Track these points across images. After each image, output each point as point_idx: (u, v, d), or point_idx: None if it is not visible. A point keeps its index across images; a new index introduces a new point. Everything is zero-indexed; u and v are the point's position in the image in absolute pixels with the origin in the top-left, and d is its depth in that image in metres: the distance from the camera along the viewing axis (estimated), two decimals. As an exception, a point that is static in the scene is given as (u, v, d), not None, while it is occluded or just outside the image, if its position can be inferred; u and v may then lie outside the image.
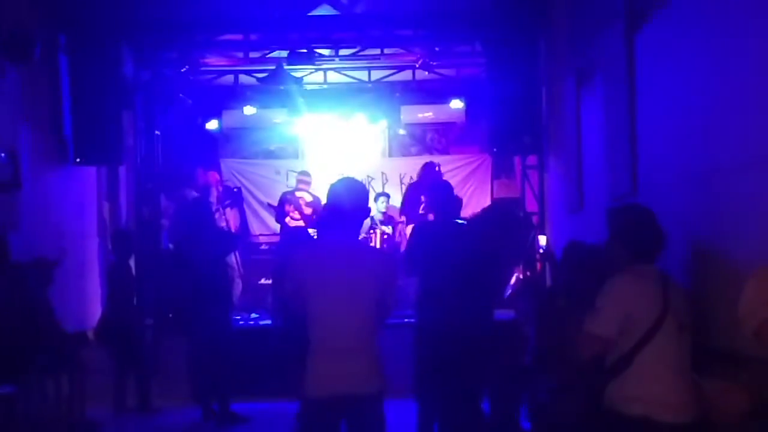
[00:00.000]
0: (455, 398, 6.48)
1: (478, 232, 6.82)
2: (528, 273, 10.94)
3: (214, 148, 14.25)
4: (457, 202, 7.10)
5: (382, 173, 13.98)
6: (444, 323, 6.35)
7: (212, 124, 13.51)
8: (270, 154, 14.57)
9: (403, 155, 14.49)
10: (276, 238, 12.64)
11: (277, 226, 12.79)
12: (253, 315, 10.94)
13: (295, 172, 13.76)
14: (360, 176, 12.03)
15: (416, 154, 14.49)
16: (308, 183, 12.79)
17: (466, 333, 6.31)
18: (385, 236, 12.12)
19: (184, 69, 11.67)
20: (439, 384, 6.45)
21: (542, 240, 8.32)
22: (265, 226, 13.52)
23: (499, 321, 9.17)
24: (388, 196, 12.71)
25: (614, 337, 4.02)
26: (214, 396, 8.40)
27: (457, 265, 6.30)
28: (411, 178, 13.84)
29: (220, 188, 12.62)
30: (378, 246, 11.73)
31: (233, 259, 10.73)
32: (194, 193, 11.83)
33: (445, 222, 6.83)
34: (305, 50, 11.29)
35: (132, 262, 9.60)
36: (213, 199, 12.26)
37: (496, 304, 6.97)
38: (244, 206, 13.67)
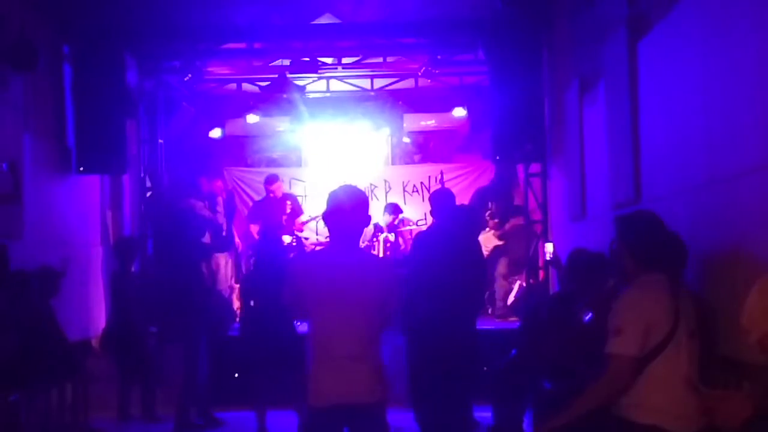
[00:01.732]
0: (446, 404, 6.51)
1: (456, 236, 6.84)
2: (531, 281, 10.95)
3: (217, 156, 14.27)
4: (456, 210, 7.13)
5: (385, 181, 13.96)
6: (430, 328, 6.37)
7: (215, 133, 13.53)
8: (273, 162, 14.56)
9: (406, 163, 14.49)
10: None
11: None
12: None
13: (298, 180, 13.78)
14: (363, 184, 12.02)
15: (419, 162, 14.50)
16: (278, 187, 12.71)
17: (449, 337, 6.33)
18: (388, 244, 12.11)
19: (188, 78, 11.70)
20: (431, 391, 6.46)
21: (549, 247, 8.32)
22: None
23: (500, 330, 9.20)
24: (401, 211, 12.66)
25: (642, 353, 3.95)
26: (190, 405, 8.43)
27: (442, 271, 6.30)
28: (414, 186, 13.85)
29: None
30: (381, 254, 11.72)
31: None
32: (200, 203, 11.84)
33: (438, 229, 6.87)
34: (308, 59, 11.31)
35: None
36: (219, 208, 12.26)
37: (475, 309, 6.94)
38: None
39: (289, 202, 12.38)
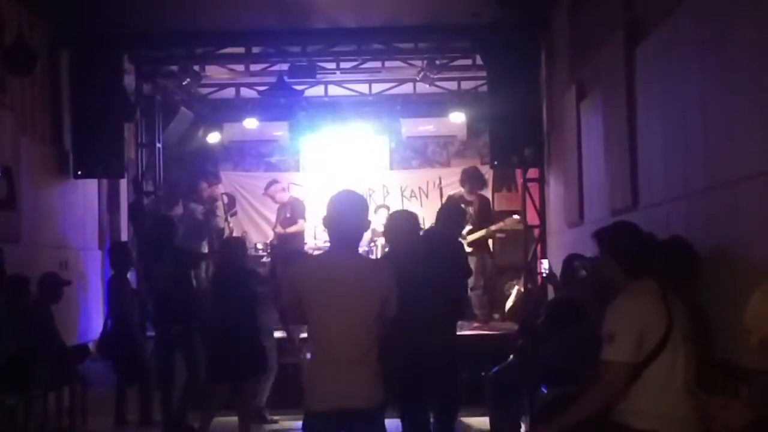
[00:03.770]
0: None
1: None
2: (529, 286, 10.95)
3: (215, 160, 14.28)
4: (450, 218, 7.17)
5: (383, 186, 14.00)
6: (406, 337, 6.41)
7: (213, 137, 13.53)
8: (271, 167, 14.58)
9: (404, 168, 14.51)
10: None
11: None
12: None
13: (296, 184, 13.78)
14: (361, 189, 12.00)
15: (417, 167, 14.51)
16: (275, 191, 12.63)
17: (420, 346, 6.36)
18: (386, 249, 12.09)
19: (186, 82, 11.69)
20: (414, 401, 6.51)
21: (544, 264, 8.35)
22: (265, 238, 13.51)
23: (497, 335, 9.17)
24: (388, 208, 12.71)
25: (637, 359, 3.96)
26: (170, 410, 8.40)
27: (421, 277, 6.32)
28: (412, 191, 13.87)
29: (226, 199, 12.61)
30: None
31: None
32: (200, 207, 11.83)
33: (427, 235, 6.93)
34: (306, 63, 11.32)
35: (131, 275, 9.53)
36: (220, 212, 12.26)
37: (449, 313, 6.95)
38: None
39: (289, 207, 12.29)
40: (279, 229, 12.11)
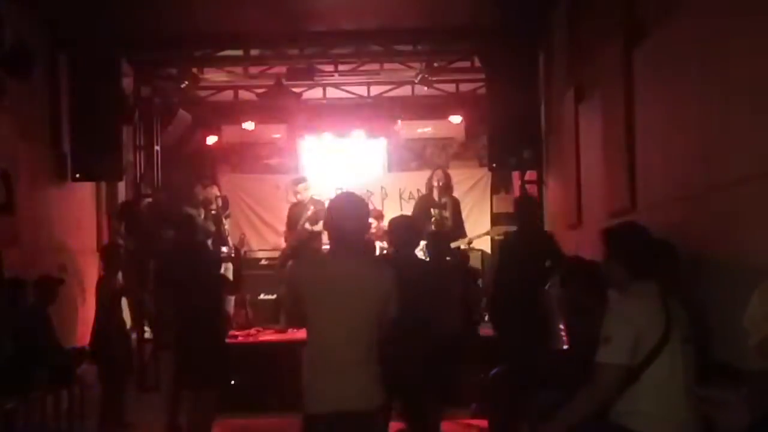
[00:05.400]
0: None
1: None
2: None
3: (214, 163, 14.27)
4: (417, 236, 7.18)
5: (382, 188, 13.99)
6: None
7: (212, 140, 13.52)
8: (269, 169, 14.58)
9: (403, 170, 14.51)
10: (273, 253, 12.46)
11: (276, 242, 12.73)
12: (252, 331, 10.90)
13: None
14: (359, 191, 11.92)
15: (415, 169, 14.50)
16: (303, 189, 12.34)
17: None
18: (384, 251, 12.05)
19: (184, 85, 11.68)
20: None
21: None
22: (263, 241, 13.51)
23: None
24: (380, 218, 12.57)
25: (632, 362, 3.97)
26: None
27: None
28: (410, 193, 13.86)
29: (220, 202, 12.55)
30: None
31: None
32: (194, 211, 11.79)
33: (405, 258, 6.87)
34: (304, 66, 11.32)
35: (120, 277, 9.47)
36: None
37: None
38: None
39: (312, 207, 11.94)
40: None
